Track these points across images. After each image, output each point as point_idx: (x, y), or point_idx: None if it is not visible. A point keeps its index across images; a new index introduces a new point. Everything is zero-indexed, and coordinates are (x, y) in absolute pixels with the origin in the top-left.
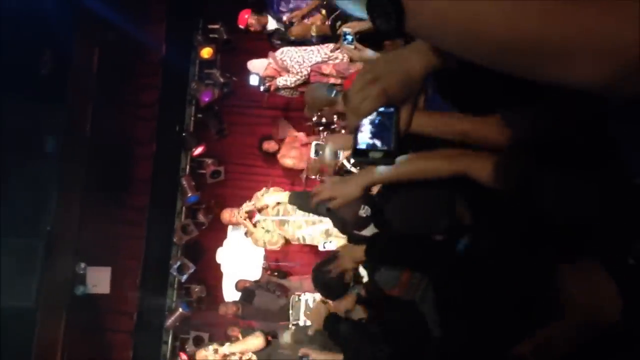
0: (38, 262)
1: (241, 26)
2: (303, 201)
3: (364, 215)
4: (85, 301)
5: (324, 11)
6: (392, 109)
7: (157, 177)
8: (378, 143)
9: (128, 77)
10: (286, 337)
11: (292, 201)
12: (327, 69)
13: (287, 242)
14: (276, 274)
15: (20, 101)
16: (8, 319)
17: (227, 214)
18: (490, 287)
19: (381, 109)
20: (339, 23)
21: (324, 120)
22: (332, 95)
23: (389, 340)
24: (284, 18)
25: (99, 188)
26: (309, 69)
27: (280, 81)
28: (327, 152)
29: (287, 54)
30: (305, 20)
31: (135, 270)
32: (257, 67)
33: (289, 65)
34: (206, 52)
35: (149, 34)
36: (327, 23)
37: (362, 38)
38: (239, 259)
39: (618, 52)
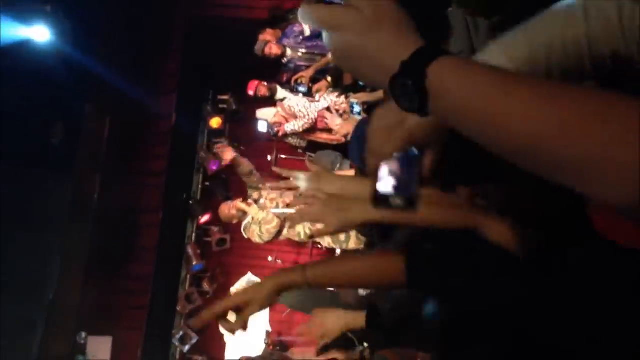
0: (38, 330)
1: (250, 93)
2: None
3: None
4: None
5: (329, 78)
6: (416, 153)
7: (163, 246)
8: (399, 189)
9: (137, 146)
10: None
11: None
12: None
13: (280, 232)
14: (278, 348)
15: (28, 170)
16: None
17: (225, 208)
18: None
19: (404, 153)
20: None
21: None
22: (338, 165)
23: None
24: (284, 79)
25: (104, 257)
26: (316, 113)
27: (289, 127)
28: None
29: (295, 100)
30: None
31: (136, 340)
32: (266, 114)
33: (296, 111)
34: (215, 122)
35: (160, 104)
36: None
37: (370, 109)
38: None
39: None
